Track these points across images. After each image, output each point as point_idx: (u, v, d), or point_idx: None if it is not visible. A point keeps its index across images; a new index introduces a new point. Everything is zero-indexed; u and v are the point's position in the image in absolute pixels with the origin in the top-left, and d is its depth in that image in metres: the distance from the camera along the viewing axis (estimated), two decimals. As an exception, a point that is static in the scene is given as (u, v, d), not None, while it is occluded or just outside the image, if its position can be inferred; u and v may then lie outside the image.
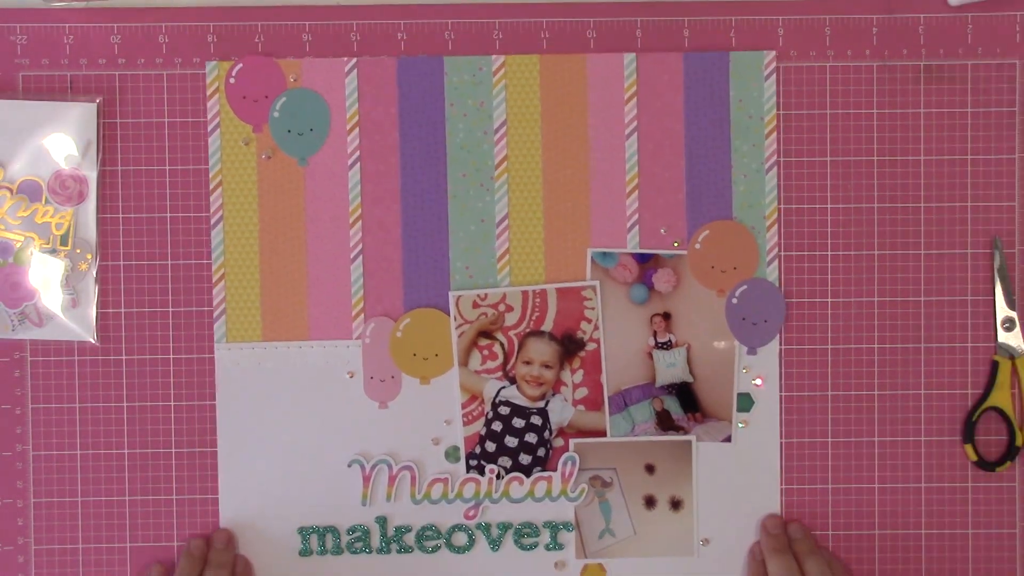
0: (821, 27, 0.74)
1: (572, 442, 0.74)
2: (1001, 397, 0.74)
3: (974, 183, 0.74)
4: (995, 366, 0.74)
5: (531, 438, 0.74)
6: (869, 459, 0.75)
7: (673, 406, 0.74)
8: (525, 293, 0.74)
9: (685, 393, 0.74)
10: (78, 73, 0.73)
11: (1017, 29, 0.75)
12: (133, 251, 0.73)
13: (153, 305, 0.73)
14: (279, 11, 0.73)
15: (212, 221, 0.73)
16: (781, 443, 0.74)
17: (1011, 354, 0.74)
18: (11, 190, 0.72)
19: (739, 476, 0.74)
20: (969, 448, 0.74)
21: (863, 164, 0.74)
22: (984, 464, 0.74)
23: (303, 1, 0.74)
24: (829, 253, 0.74)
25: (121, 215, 0.73)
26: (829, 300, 0.74)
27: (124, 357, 0.73)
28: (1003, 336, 0.74)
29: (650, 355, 0.74)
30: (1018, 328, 0.74)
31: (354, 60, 0.73)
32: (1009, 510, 0.75)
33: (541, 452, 0.74)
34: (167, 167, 0.73)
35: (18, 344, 0.73)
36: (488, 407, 0.74)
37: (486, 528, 0.74)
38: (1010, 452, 0.74)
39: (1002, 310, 0.74)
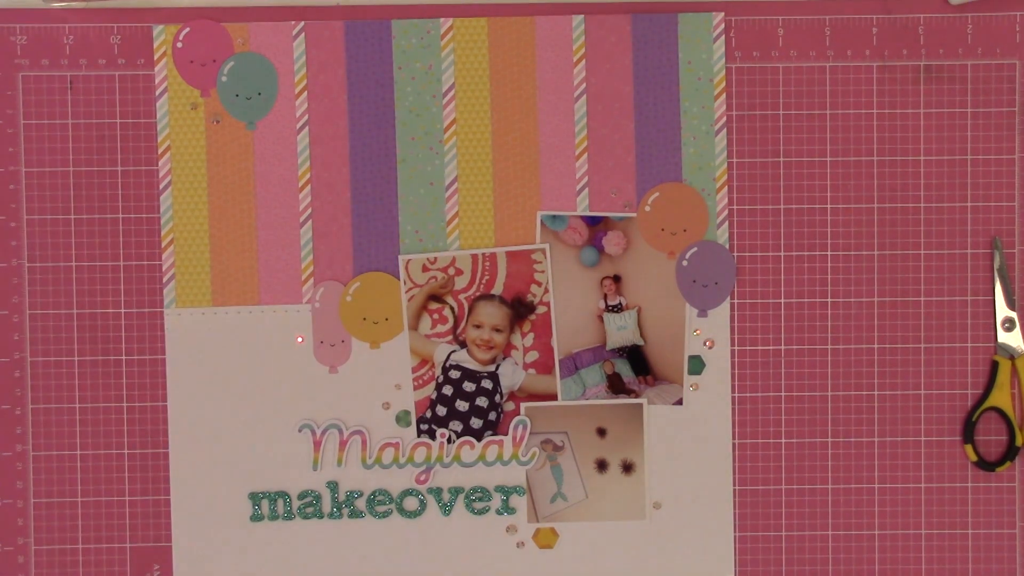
0: (821, 27, 0.74)
1: (523, 406, 0.74)
2: (1001, 397, 0.73)
3: (974, 183, 0.74)
4: (995, 366, 0.74)
5: (482, 402, 0.74)
6: (869, 459, 0.74)
7: (624, 369, 0.74)
8: (475, 256, 0.74)
9: (636, 356, 0.74)
10: (78, 73, 0.73)
11: (1017, 29, 0.74)
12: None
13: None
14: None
15: (160, 186, 0.73)
16: (733, 405, 0.74)
17: (1011, 354, 0.74)
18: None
19: (690, 439, 0.74)
20: (969, 448, 0.74)
21: (863, 164, 0.74)
22: (984, 464, 0.74)
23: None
24: (829, 253, 0.74)
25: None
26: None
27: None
28: (1003, 336, 0.74)
29: (600, 318, 0.74)
30: (1018, 328, 0.74)
31: (301, 23, 0.73)
32: (1009, 510, 0.75)
33: (492, 416, 0.74)
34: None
35: (18, 344, 0.73)
36: (438, 371, 0.74)
37: (437, 493, 0.74)
38: (1010, 452, 0.74)
39: (1002, 310, 0.74)
